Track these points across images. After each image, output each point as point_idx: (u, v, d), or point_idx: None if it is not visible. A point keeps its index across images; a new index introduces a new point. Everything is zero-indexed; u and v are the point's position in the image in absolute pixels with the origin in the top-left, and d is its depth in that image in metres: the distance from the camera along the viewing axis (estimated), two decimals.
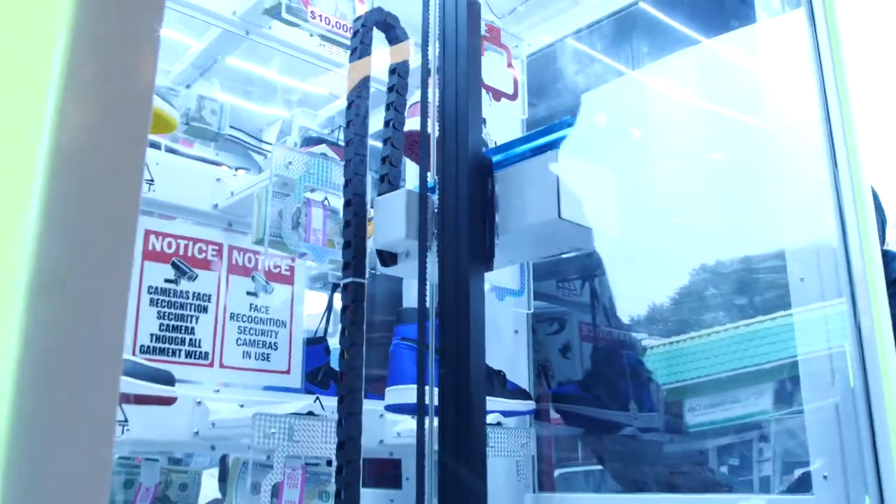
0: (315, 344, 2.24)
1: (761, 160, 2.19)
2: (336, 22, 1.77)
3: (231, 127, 2.69)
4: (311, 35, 1.88)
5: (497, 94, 2.07)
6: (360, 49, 1.44)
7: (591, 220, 1.28)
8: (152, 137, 2.36)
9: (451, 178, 1.23)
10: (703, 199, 2.39)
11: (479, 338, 1.21)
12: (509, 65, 2.14)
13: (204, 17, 2.05)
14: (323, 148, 1.79)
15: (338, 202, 1.74)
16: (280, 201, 1.64)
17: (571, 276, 2.56)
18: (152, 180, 1.83)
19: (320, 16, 1.75)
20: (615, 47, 2.50)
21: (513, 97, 2.11)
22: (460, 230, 1.20)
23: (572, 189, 1.24)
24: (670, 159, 2.49)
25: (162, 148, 2.41)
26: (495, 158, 1.32)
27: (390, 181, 1.43)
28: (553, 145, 1.28)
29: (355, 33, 1.43)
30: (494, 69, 2.13)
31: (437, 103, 1.33)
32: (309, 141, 2.44)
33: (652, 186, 2.57)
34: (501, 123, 2.29)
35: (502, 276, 1.98)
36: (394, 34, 1.52)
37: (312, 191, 1.71)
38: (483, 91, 2.06)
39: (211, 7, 2.04)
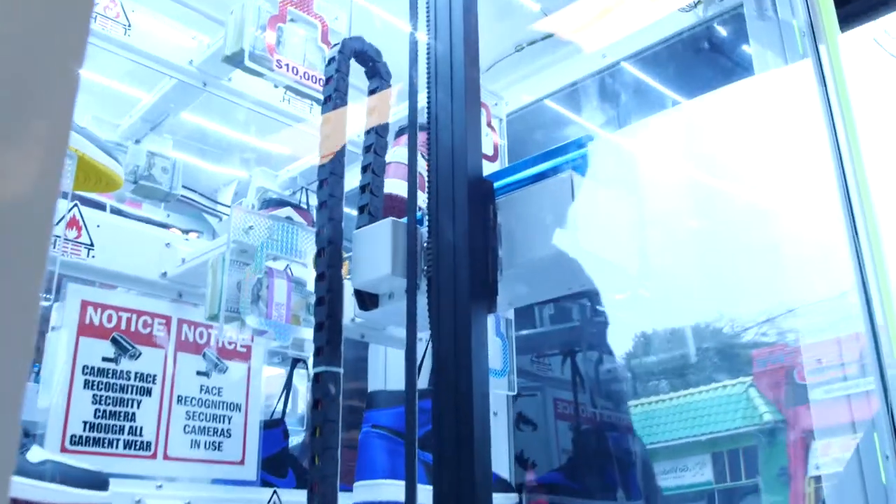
0: (273, 427, 2.02)
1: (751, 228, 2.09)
2: (305, 72, 1.60)
3: (183, 187, 2.49)
4: (277, 86, 1.71)
5: None
6: (336, 78, 1.25)
7: (609, 253, 1.11)
8: (95, 196, 2.15)
9: (447, 203, 1.03)
10: (687, 267, 2.26)
11: (483, 403, 1.01)
12: (488, 124, 1.99)
13: (158, 66, 1.87)
14: (288, 211, 1.60)
15: (303, 271, 1.55)
16: (238, 271, 1.44)
17: (550, 351, 2.39)
18: (92, 245, 1.62)
19: (287, 65, 1.58)
20: (599, 107, 2.38)
21: (492, 158, 1.96)
22: (458, 264, 1.01)
23: (587, 218, 1.06)
24: (653, 225, 2.36)
25: (107, 209, 2.20)
26: (497, 183, 1.13)
27: (371, 213, 1.23)
28: (563, 169, 1.10)
29: (331, 61, 1.26)
30: None
31: (427, 119, 1.13)
32: (269, 203, 2.25)
33: (634, 251, 2.44)
34: None
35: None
36: (374, 68, 1.35)
37: (275, 259, 1.52)
38: None
39: (165, 56, 1.86)
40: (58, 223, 1.58)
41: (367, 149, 1.33)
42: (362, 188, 1.27)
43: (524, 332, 2.34)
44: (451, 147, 1.07)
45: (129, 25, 1.80)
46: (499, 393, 1.95)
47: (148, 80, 2.07)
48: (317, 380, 1.06)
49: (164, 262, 1.72)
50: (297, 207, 2.17)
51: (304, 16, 1.66)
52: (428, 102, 1.11)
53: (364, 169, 1.31)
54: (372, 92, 1.34)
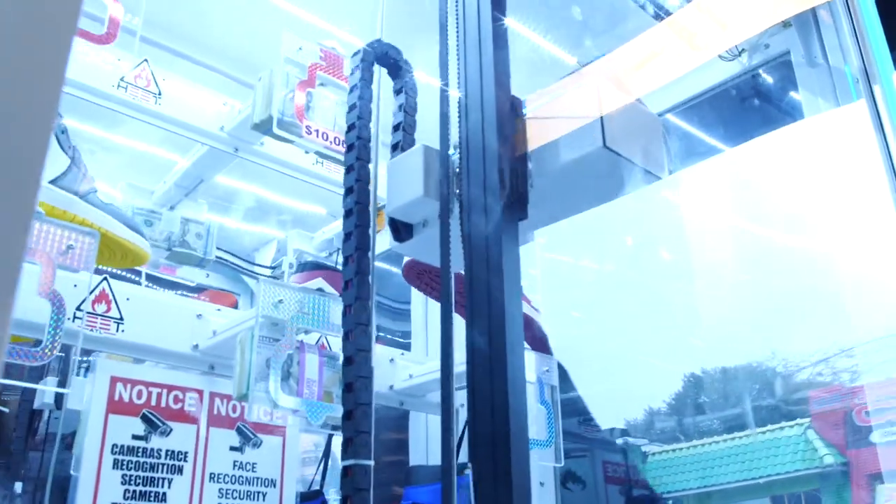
0: (311, 499, 1.94)
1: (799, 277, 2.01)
2: (335, 137, 1.55)
3: (220, 249, 2.47)
4: (307, 152, 1.67)
5: None
6: (359, 86, 1.21)
7: (635, 154, 1.06)
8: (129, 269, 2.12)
9: (476, 119, 1.04)
10: (738, 312, 2.18)
11: (516, 317, 0.98)
12: None
13: (188, 133, 1.84)
14: (319, 282, 1.55)
15: (337, 344, 1.49)
16: (268, 347, 1.38)
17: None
18: (122, 319, 1.58)
19: (317, 131, 1.54)
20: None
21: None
22: (488, 174, 1.01)
23: (616, 117, 1.02)
24: (699, 277, 2.28)
25: (143, 276, 2.18)
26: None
27: (403, 148, 1.22)
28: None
29: (353, 71, 1.22)
30: None
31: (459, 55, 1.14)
32: (304, 266, 2.21)
33: (675, 305, 2.37)
34: None
35: (530, 430, 1.71)
36: (398, 69, 1.31)
37: (307, 332, 1.46)
38: None
39: (196, 123, 1.84)
40: (85, 300, 1.55)
41: (395, 127, 1.29)
42: (395, 127, 1.25)
43: (572, 394, 2.25)
44: (480, 67, 1.06)
45: (160, 94, 1.78)
46: (545, 465, 1.86)
47: (182, 145, 2.05)
48: (346, 474, 0.99)
49: (196, 334, 1.68)
50: (331, 270, 2.13)
51: (333, 80, 1.62)
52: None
53: (395, 127, 1.27)
54: (398, 92, 1.31)
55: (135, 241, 1.35)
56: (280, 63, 1.59)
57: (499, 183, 1.01)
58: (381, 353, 1.97)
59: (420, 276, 1.84)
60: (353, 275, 1.08)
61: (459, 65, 1.14)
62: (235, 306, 2.93)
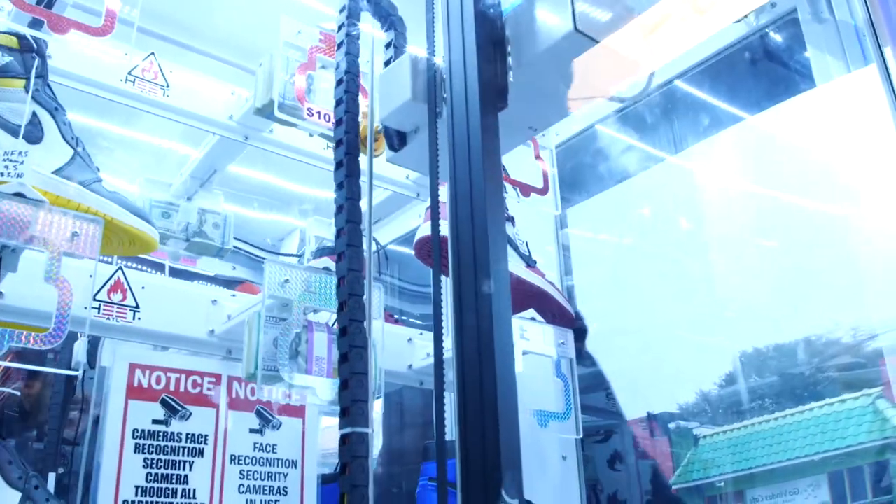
0: (332, 481, 1.96)
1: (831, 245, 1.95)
2: None
3: (239, 240, 2.50)
4: (311, 135, 1.69)
5: (525, 189, 1.84)
6: (346, 42, 1.22)
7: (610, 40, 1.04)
8: (151, 258, 2.16)
9: (457, 18, 1.07)
10: (763, 289, 2.14)
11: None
12: (537, 156, 1.92)
13: (198, 124, 1.87)
14: (325, 261, 1.56)
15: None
16: (276, 327, 1.40)
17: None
18: (138, 307, 1.61)
19: (318, 112, 1.55)
20: (653, 131, 2.28)
21: (543, 191, 1.89)
22: (468, 65, 1.03)
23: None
24: (724, 248, 2.25)
25: (166, 270, 2.21)
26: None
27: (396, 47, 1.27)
28: None
29: (340, 27, 1.23)
30: (521, 162, 1.91)
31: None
32: (323, 251, 2.23)
33: (704, 277, 2.34)
34: (532, 221, 2.06)
35: (544, 399, 1.71)
36: (390, 21, 1.32)
37: (315, 312, 1.47)
38: (510, 186, 1.84)
39: (205, 113, 1.86)
40: (101, 288, 1.58)
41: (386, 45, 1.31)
42: (387, 45, 1.29)
43: (597, 367, 2.24)
44: None
45: (168, 86, 1.81)
46: (566, 437, 1.85)
47: (196, 138, 2.08)
48: (343, 442, 1.00)
49: (211, 319, 1.70)
50: None
51: (333, 61, 1.63)
52: None
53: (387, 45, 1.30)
54: (389, 45, 1.32)
55: (141, 228, 1.38)
56: (280, 47, 1.60)
57: (477, 72, 1.02)
58: (398, 333, 1.99)
59: (432, 253, 1.85)
60: (345, 246, 1.08)
61: None
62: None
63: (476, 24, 1.05)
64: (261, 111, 1.56)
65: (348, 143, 1.15)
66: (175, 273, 2.26)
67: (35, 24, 1.33)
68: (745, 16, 1.75)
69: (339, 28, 1.24)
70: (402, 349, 1.95)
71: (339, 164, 1.16)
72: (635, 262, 2.53)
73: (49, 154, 1.29)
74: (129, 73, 1.76)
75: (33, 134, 1.28)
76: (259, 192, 2.60)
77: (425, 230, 1.78)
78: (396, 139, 1.20)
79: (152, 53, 1.82)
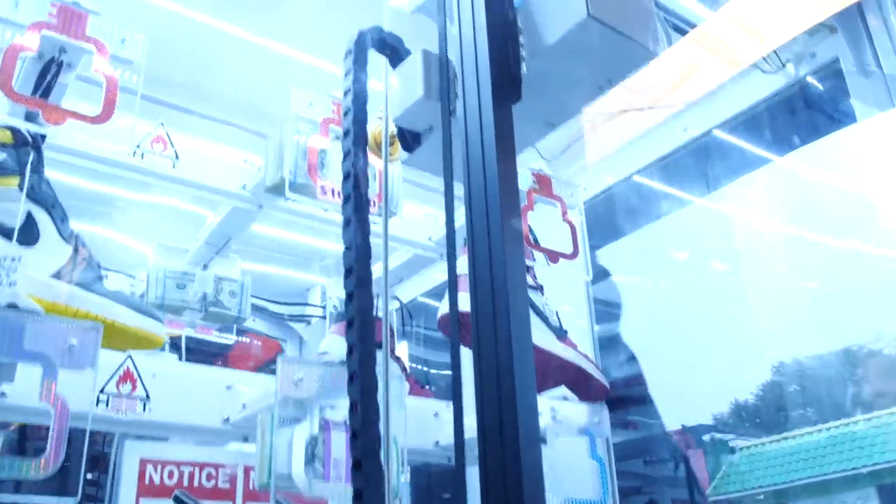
0: None
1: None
2: None
3: (258, 298, 2.43)
4: (326, 210, 1.60)
5: (554, 256, 1.74)
6: (352, 74, 1.15)
7: (624, 25, 1.00)
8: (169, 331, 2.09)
9: (467, 9, 1.03)
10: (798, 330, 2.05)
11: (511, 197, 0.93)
12: (565, 217, 1.82)
13: (210, 195, 1.79)
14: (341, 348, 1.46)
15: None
16: (290, 428, 1.31)
17: (663, 457, 2.17)
18: (148, 397, 1.53)
19: (332, 190, 1.46)
20: (687, 178, 2.17)
21: (572, 256, 1.78)
22: (479, 58, 0.99)
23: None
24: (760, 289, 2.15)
25: (182, 340, 2.14)
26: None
27: None
28: None
29: (347, 55, 1.17)
30: (548, 224, 1.81)
31: None
32: (343, 316, 2.14)
33: (740, 318, 2.24)
34: (563, 288, 1.96)
35: (579, 484, 1.60)
36: (398, 57, 1.24)
37: (332, 408, 1.38)
38: (536, 253, 1.74)
39: (217, 184, 1.78)
40: (109, 380, 1.50)
41: None
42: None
43: (634, 436, 2.14)
44: None
45: (177, 157, 1.73)
46: None
47: (211, 200, 2.00)
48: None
49: (226, 406, 1.61)
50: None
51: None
52: None
53: None
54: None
55: (145, 328, 1.30)
56: (290, 120, 1.52)
57: (488, 63, 0.98)
58: (424, 407, 1.89)
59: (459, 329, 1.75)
60: (357, 367, 0.99)
61: None
62: (281, 351, 2.89)
63: (487, 14, 1.01)
64: (271, 189, 1.48)
65: (356, 198, 1.07)
66: None
67: (30, 116, 1.26)
68: (783, 65, 1.64)
69: (346, 74, 1.18)
70: (429, 424, 1.85)
71: (346, 223, 1.08)
72: (668, 305, 2.43)
73: (46, 255, 1.22)
74: (137, 147, 1.69)
75: (28, 235, 1.21)
76: (278, 249, 2.53)
77: (447, 306, 1.68)
78: (410, 139, 1.15)
79: (161, 124, 1.75)
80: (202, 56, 1.76)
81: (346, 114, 1.17)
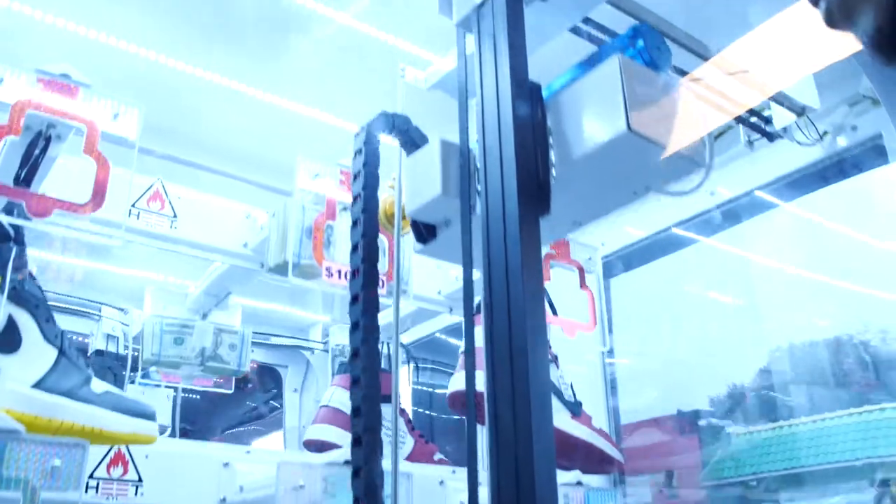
0: None
1: None
2: None
3: (257, 332, 2.35)
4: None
5: (571, 329, 1.65)
6: (363, 170, 1.08)
7: (666, 138, 0.95)
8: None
9: (492, 109, 0.95)
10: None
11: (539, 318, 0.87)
12: (582, 285, 1.73)
13: (210, 255, 1.70)
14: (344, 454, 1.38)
15: None
16: None
17: None
18: (140, 480, 1.45)
19: (339, 272, 1.37)
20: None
21: (590, 327, 1.69)
22: (505, 165, 0.93)
23: (641, 96, 0.92)
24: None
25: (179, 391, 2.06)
26: (545, 90, 1.01)
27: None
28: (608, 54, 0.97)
29: (358, 152, 1.10)
30: (565, 291, 1.72)
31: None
32: (347, 367, 2.06)
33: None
34: (577, 357, 1.88)
35: None
36: (409, 139, 1.17)
37: None
38: (552, 326, 1.65)
39: (217, 243, 1.69)
40: (99, 464, 1.42)
41: None
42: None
43: None
44: (494, 49, 0.96)
45: (176, 216, 1.64)
46: None
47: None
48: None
49: (223, 486, 1.54)
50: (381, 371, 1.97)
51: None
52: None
53: None
54: None
55: (137, 431, 1.21)
56: (295, 193, 1.43)
57: (516, 172, 0.91)
58: (429, 475, 1.81)
59: (465, 404, 1.68)
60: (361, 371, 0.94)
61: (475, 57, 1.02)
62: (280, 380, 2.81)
63: (514, 115, 0.93)
64: (274, 270, 1.38)
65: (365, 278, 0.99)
66: None
67: (10, 206, 1.17)
68: (821, 137, 1.54)
69: (356, 155, 1.11)
70: (434, 493, 1.77)
71: (354, 299, 1.01)
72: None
73: (29, 362, 1.13)
74: (133, 206, 1.60)
75: (10, 342, 1.12)
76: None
77: (458, 383, 1.61)
78: (425, 231, 1.09)
79: (158, 179, 1.65)
80: (200, 106, 1.66)
81: (354, 201, 1.10)
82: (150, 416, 1.27)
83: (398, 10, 1.48)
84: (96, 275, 2.44)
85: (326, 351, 2.59)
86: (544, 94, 1.02)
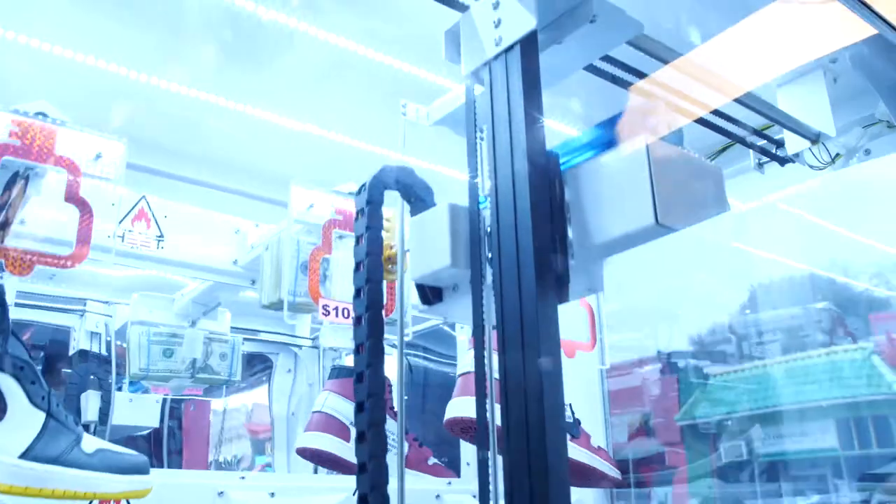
0: None
1: None
2: None
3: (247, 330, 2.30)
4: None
5: (570, 349, 1.62)
6: (366, 233, 1.02)
7: (688, 219, 0.92)
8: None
9: (506, 181, 0.92)
10: None
11: (556, 395, 0.82)
12: (581, 300, 1.69)
13: (197, 274, 1.65)
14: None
15: None
16: None
17: None
18: None
19: (336, 309, 1.33)
20: None
21: (589, 347, 1.66)
22: (522, 251, 0.89)
23: (669, 183, 0.89)
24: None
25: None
26: (563, 156, 0.96)
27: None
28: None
29: (360, 212, 1.05)
30: (563, 313, 1.67)
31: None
32: (340, 372, 2.02)
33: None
34: (573, 378, 1.84)
35: None
36: (414, 194, 1.12)
37: None
38: None
39: (205, 262, 1.63)
40: None
41: None
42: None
43: None
44: (509, 118, 0.91)
45: (162, 235, 1.58)
46: None
47: None
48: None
49: None
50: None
51: (351, 234, 1.40)
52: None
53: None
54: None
55: (132, 488, 1.17)
56: (289, 226, 1.37)
57: (534, 261, 0.87)
58: (424, 489, 1.79)
59: (465, 430, 1.65)
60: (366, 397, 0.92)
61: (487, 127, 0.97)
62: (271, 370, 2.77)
63: (530, 185, 0.89)
64: (268, 307, 1.33)
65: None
66: None
67: None
68: (833, 160, 1.49)
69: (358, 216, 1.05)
70: None
71: (358, 348, 0.98)
72: None
73: (16, 429, 1.08)
74: (118, 225, 1.53)
75: None
76: None
77: (457, 409, 1.58)
78: (431, 294, 1.05)
79: (143, 197, 1.58)
80: (185, 119, 1.58)
81: (357, 268, 1.05)
82: (143, 470, 1.23)
83: (381, 24, 1.39)
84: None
85: (315, 347, 2.55)
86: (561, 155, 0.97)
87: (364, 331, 1.01)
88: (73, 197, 1.15)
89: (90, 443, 1.16)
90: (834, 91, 1.45)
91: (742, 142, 1.42)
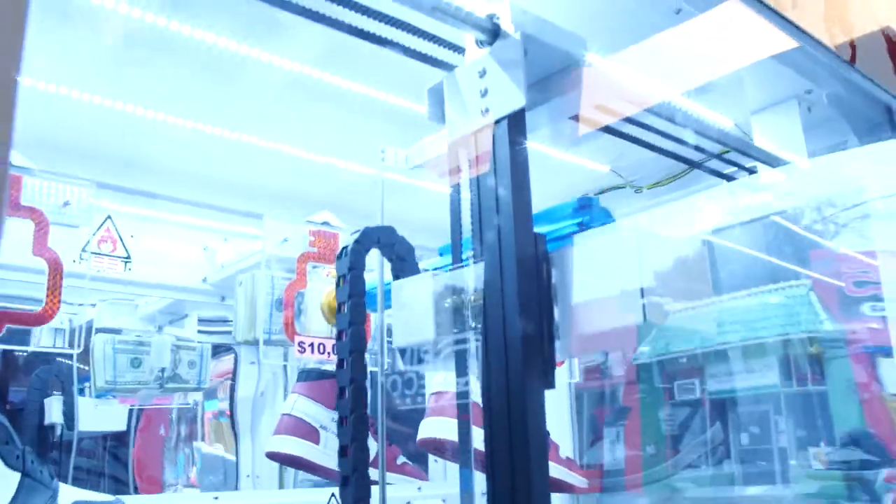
0: None
1: None
2: (333, 346, 1.34)
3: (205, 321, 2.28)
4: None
5: None
6: (348, 301, 1.03)
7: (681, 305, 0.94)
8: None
9: (494, 258, 0.91)
10: None
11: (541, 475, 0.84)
12: None
13: (168, 293, 1.62)
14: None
15: None
16: None
17: None
18: None
19: (312, 345, 1.32)
20: None
21: (559, 363, 1.68)
22: (509, 336, 0.88)
23: (658, 273, 0.90)
24: None
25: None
26: (549, 234, 0.96)
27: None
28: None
29: (342, 277, 1.03)
30: None
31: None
32: (309, 375, 2.01)
33: None
34: None
35: None
36: (395, 253, 1.12)
37: None
38: None
39: (174, 281, 1.60)
40: None
41: None
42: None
43: None
44: (496, 199, 0.90)
45: (129, 257, 1.54)
46: None
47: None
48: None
49: None
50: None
51: (326, 266, 1.39)
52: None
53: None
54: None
55: None
56: (262, 263, 1.35)
57: (522, 350, 0.87)
58: (395, 496, 1.81)
59: (438, 450, 1.66)
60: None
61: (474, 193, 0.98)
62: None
63: (518, 267, 0.88)
64: (243, 343, 1.32)
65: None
66: None
67: None
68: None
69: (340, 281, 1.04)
70: None
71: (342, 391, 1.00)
72: None
73: None
74: (83, 250, 1.50)
75: None
76: None
77: (430, 429, 1.59)
78: (412, 358, 1.05)
79: (108, 217, 1.54)
80: (145, 134, 1.52)
81: (339, 337, 1.05)
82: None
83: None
84: None
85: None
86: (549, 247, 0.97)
87: (347, 374, 1.03)
88: (41, 251, 1.11)
89: (66, 495, 1.15)
90: (808, 118, 1.46)
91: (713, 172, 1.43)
